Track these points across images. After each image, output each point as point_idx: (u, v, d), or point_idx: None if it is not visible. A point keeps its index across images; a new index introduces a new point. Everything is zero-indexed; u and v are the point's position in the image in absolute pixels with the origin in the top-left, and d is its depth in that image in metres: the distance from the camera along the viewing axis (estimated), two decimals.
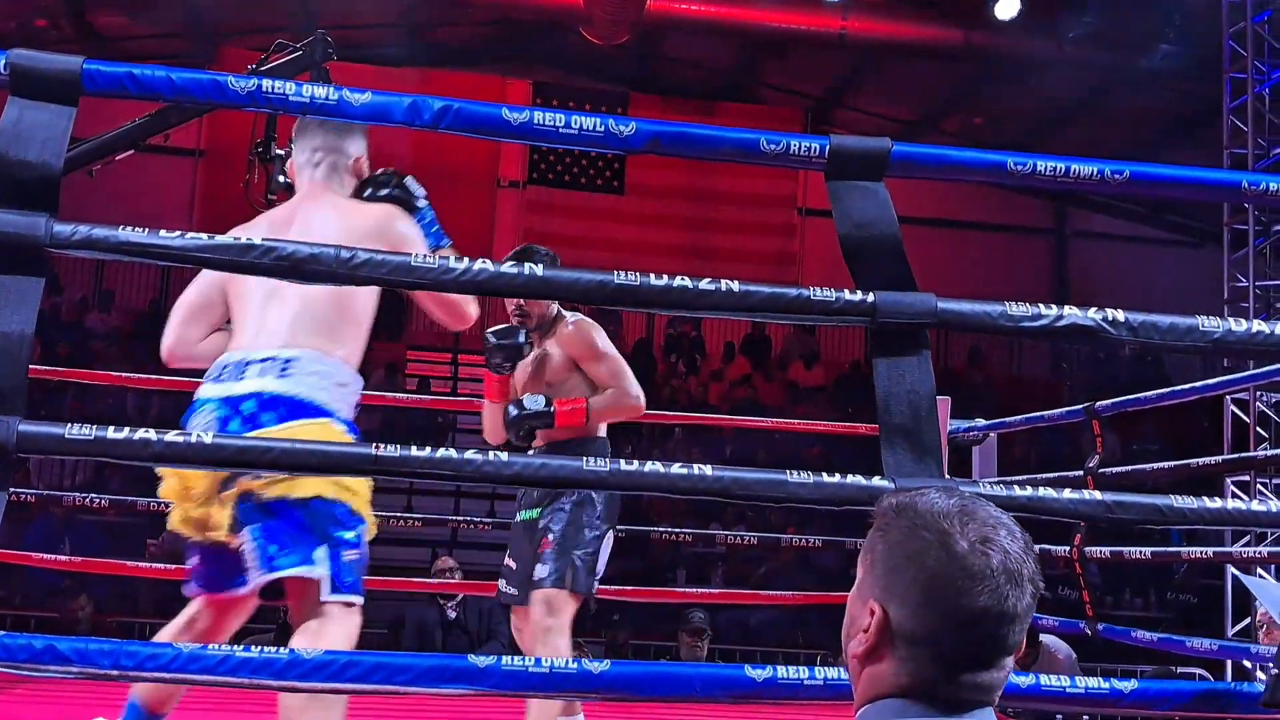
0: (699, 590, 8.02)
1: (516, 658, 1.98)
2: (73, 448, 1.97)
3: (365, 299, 2.90)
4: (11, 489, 6.04)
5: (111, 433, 1.97)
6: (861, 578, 1.36)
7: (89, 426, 1.97)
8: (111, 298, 13.32)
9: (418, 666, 1.95)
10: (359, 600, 2.69)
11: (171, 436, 1.98)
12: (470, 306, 2.95)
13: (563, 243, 13.66)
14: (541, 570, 3.70)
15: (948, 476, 2.15)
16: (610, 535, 3.79)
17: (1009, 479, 4.63)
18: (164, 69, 2.01)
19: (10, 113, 1.94)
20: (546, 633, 3.63)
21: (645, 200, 14.37)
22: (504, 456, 2.05)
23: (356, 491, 2.70)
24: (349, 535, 2.68)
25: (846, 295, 2.12)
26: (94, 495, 7.28)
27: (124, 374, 6.95)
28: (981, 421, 5.27)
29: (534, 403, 3.74)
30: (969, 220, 14.62)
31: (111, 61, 1.99)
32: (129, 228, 1.99)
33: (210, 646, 1.92)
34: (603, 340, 3.86)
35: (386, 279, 2.04)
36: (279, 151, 5.89)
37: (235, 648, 1.92)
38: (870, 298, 2.12)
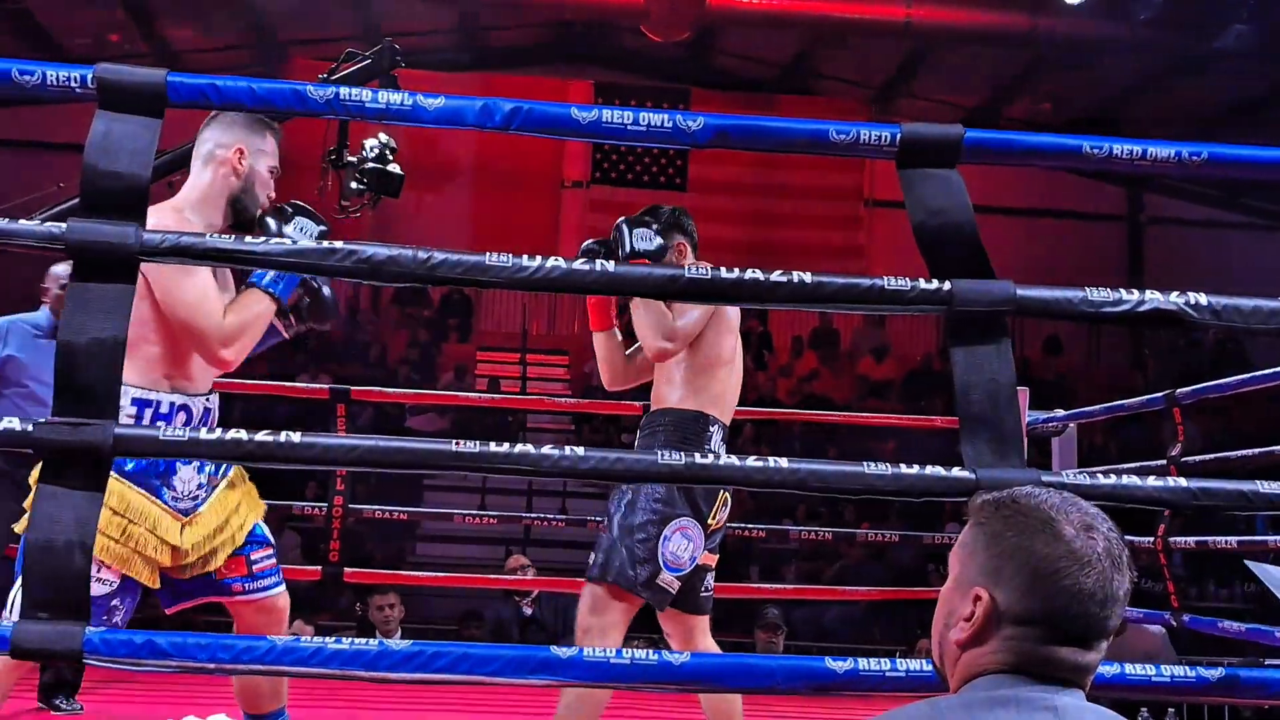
0: (772, 586, 8.01)
1: (599, 648, 2.00)
2: (168, 448, 2.02)
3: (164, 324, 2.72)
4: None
5: (204, 433, 2.02)
6: (959, 571, 1.42)
7: (182, 428, 2.03)
8: None
9: (503, 657, 1.98)
10: None
11: (261, 436, 2.03)
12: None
13: None
14: (591, 561, 3.36)
15: (1028, 467, 2.14)
16: (685, 523, 3.30)
17: (1091, 469, 4.59)
18: (245, 80, 2.06)
19: (98, 126, 1.99)
20: (585, 634, 3.25)
21: (708, 196, 14.35)
22: (580, 451, 2.08)
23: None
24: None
25: (922, 284, 2.12)
26: None
27: None
28: (1060, 412, 5.22)
29: (645, 240, 3.39)
30: (1039, 208, 14.45)
31: (184, 74, 2.03)
32: (215, 235, 2.04)
33: (303, 640, 1.96)
34: None
35: (462, 278, 2.07)
36: (351, 158, 5.97)
37: (327, 640, 1.96)
38: (946, 286, 2.11)
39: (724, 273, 2.12)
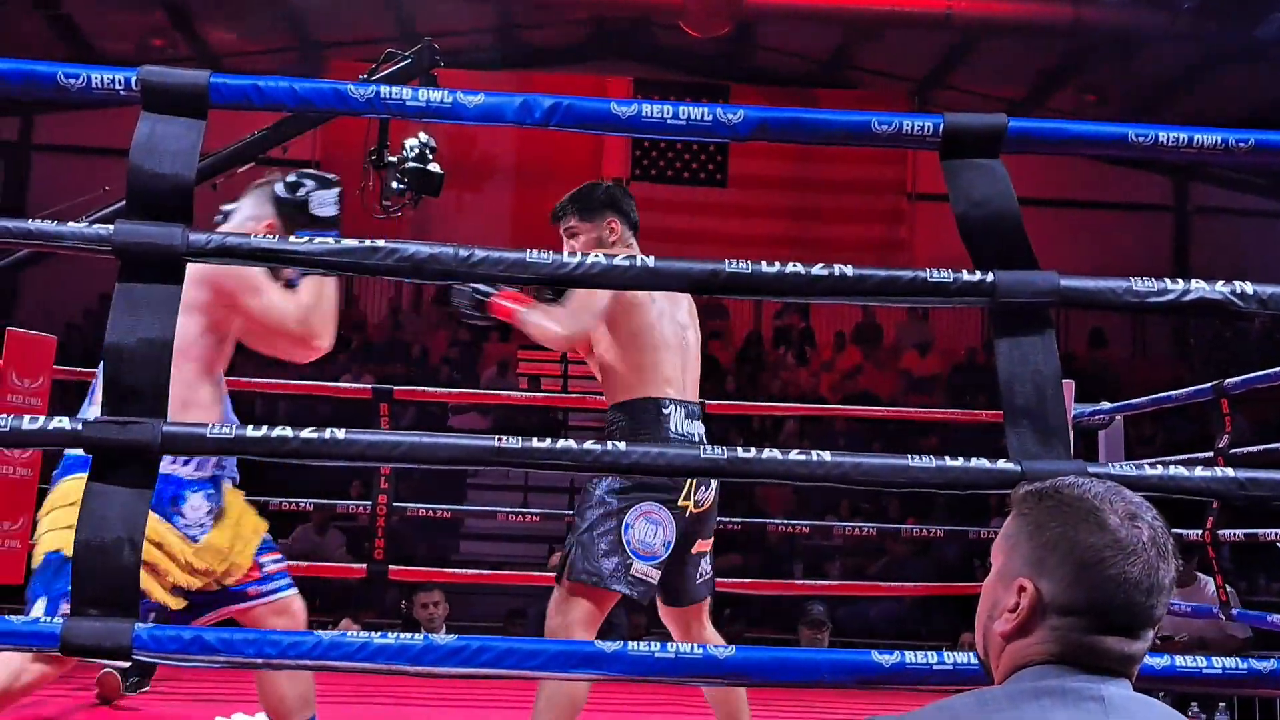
0: (816, 582, 7.99)
1: (644, 643, 2.00)
2: (214, 446, 2.04)
3: (198, 347, 2.79)
4: None
5: (250, 431, 2.04)
6: (1003, 563, 1.41)
7: (228, 426, 2.05)
8: None
9: (547, 651, 1.99)
10: None
11: (306, 433, 2.05)
12: None
13: (668, 238, 13.70)
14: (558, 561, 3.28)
15: (1074, 458, 2.12)
16: (648, 508, 3.15)
17: (1138, 461, 4.54)
18: (286, 80, 2.07)
19: (143, 128, 2.01)
20: (550, 636, 3.15)
21: (749, 191, 14.32)
22: (621, 446, 2.08)
23: None
24: None
25: (965, 275, 2.11)
26: None
27: (251, 379, 7.13)
28: (1106, 404, 5.17)
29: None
30: (1084, 199, 14.31)
31: (227, 75, 2.05)
32: (260, 235, 2.06)
33: (348, 635, 1.98)
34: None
35: (504, 275, 2.08)
36: (392, 158, 6.00)
37: (372, 635, 1.97)
38: (990, 277, 2.10)
39: (765, 267, 2.12)
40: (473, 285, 3.27)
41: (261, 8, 11.90)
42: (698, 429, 3.32)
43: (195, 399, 2.78)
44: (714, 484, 3.29)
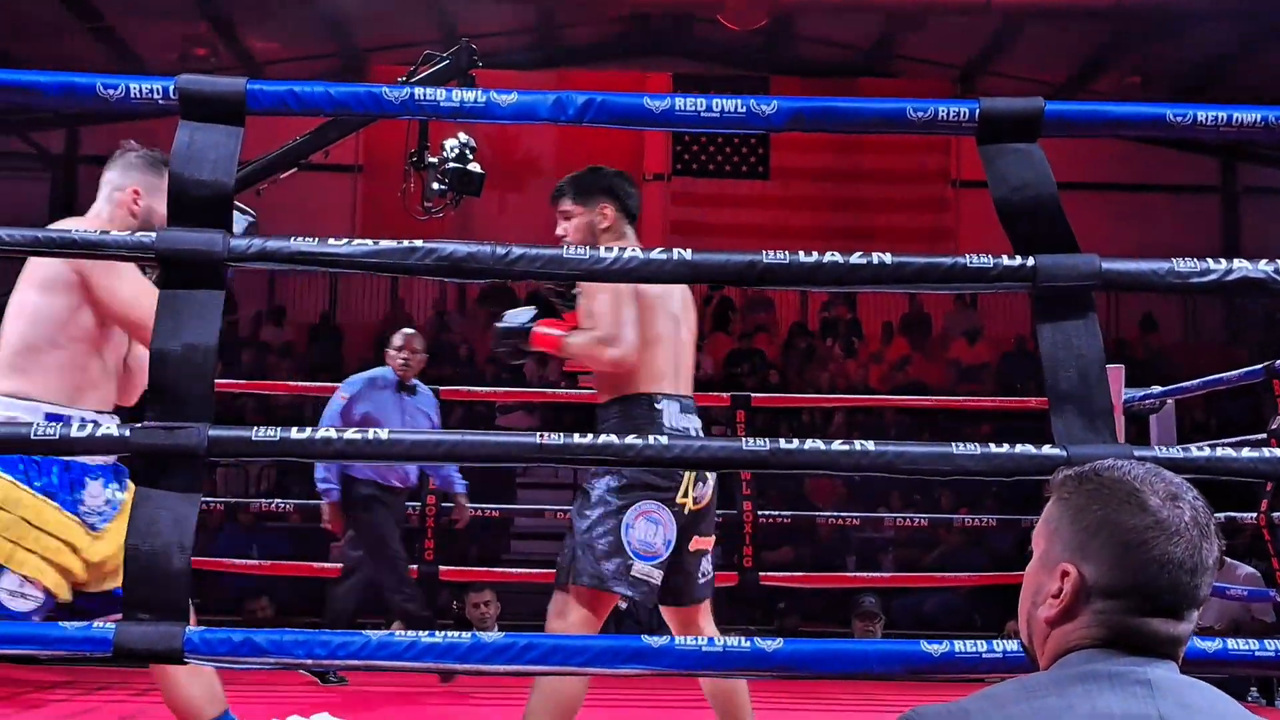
0: (868, 574, 7.95)
1: (691, 638, 2.01)
2: (260, 449, 2.06)
3: (78, 325, 2.74)
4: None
5: (295, 433, 2.06)
6: (1044, 549, 1.40)
7: (274, 428, 2.07)
8: (284, 312, 13.79)
9: (595, 648, 2.00)
10: None
11: (350, 434, 2.07)
12: None
13: (711, 233, 13.68)
14: (558, 566, 3.20)
15: (1122, 443, 2.10)
16: (648, 506, 3.07)
17: (1189, 445, 4.49)
18: (322, 84, 2.09)
19: (182, 136, 2.03)
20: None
21: (791, 184, 14.26)
22: (663, 440, 2.08)
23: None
24: None
25: (1005, 261, 2.10)
26: (278, 500, 7.62)
27: (300, 383, 7.21)
28: (1157, 389, 5.12)
29: (516, 317, 3.24)
30: (1129, 183, 14.15)
31: (264, 81, 2.07)
32: (300, 238, 2.07)
33: (397, 634, 1.99)
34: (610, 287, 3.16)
35: (541, 272, 2.09)
36: (432, 160, 6.03)
37: (420, 634, 1.99)
38: (1030, 262, 2.09)
39: (802, 257, 2.12)
40: (507, 327, 3.23)
41: (303, 15, 11.98)
42: (693, 423, 3.22)
43: (87, 380, 2.76)
44: (712, 480, 3.20)
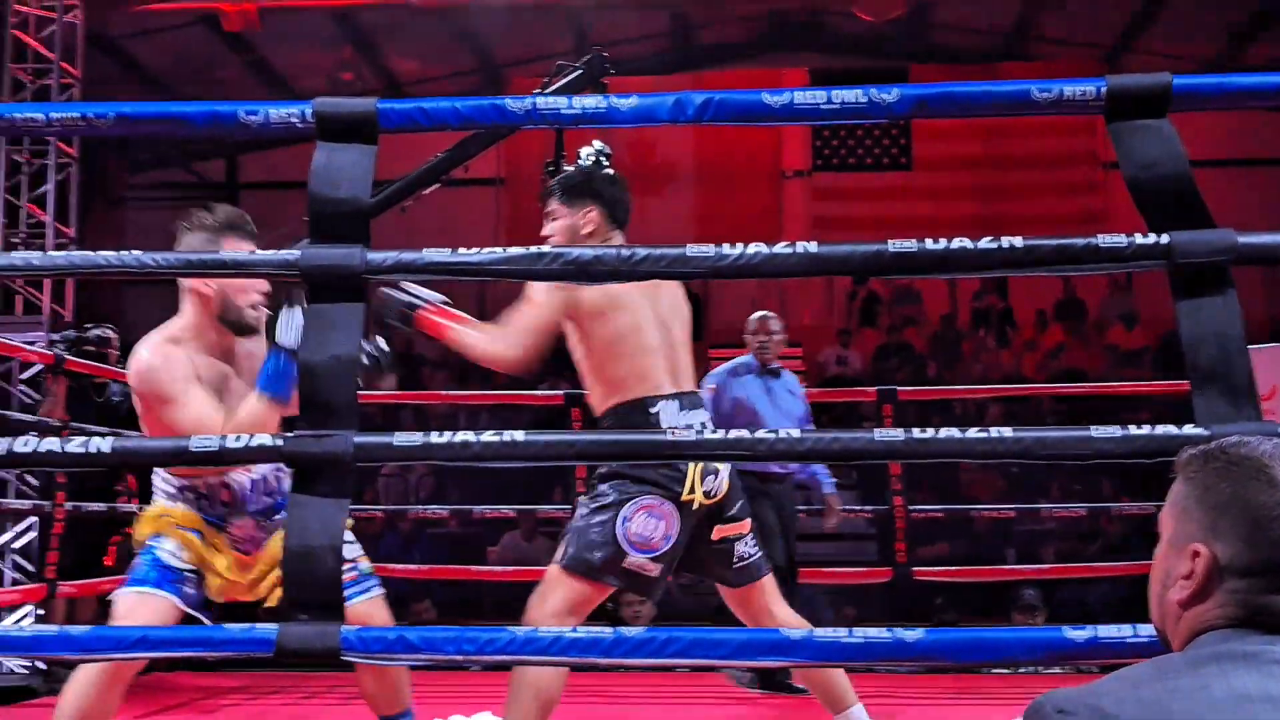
0: (1025, 566, 7.79)
1: (830, 629, 2.01)
2: (402, 454, 2.14)
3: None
4: (361, 507, 6.56)
5: (435, 437, 2.13)
6: (1173, 530, 1.37)
7: (416, 434, 2.14)
8: None
9: (734, 641, 2.02)
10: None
11: (487, 437, 2.13)
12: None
13: (852, 227, 13.57)
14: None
15: (1264, 420, 2.04)
16: (649, 501, 3.04)
17: None
18: (448, 100, 2.16)
19: (319, 157, 2.12)
20: (527, 620, 2.99)
21: (935, 174, 14.06)
22: (795, 433, 2.10)
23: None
24: None
25: (1138, 239, 2.06)
26: (435, 506, 7.81)
27: (452, 392, 7.38)
28: None
29: (419, 292, 3.17)
30: (1269, 157, 13.57)
31: (394, 100, 2.14)
32: (433, 250, 2.15)
33: (541, 629, 2.04)
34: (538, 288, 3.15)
35: (665, 271, 2.12)
36: (568, 168, 6.13)
37: (564, 629, 2.04)
38: (1164, 239, 2.05)
39: (930, 244, 2.11)
40: (405, 291, 3.15)
41: (443, 34, 12.26)
42: (697, 417, 3.18)
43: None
44: (725, 472, 3.14)
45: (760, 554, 3.29)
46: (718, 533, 3.19)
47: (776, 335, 5.51)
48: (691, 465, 3.07)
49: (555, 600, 3.03)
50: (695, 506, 3.10)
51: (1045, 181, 13.94)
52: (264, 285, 2.96)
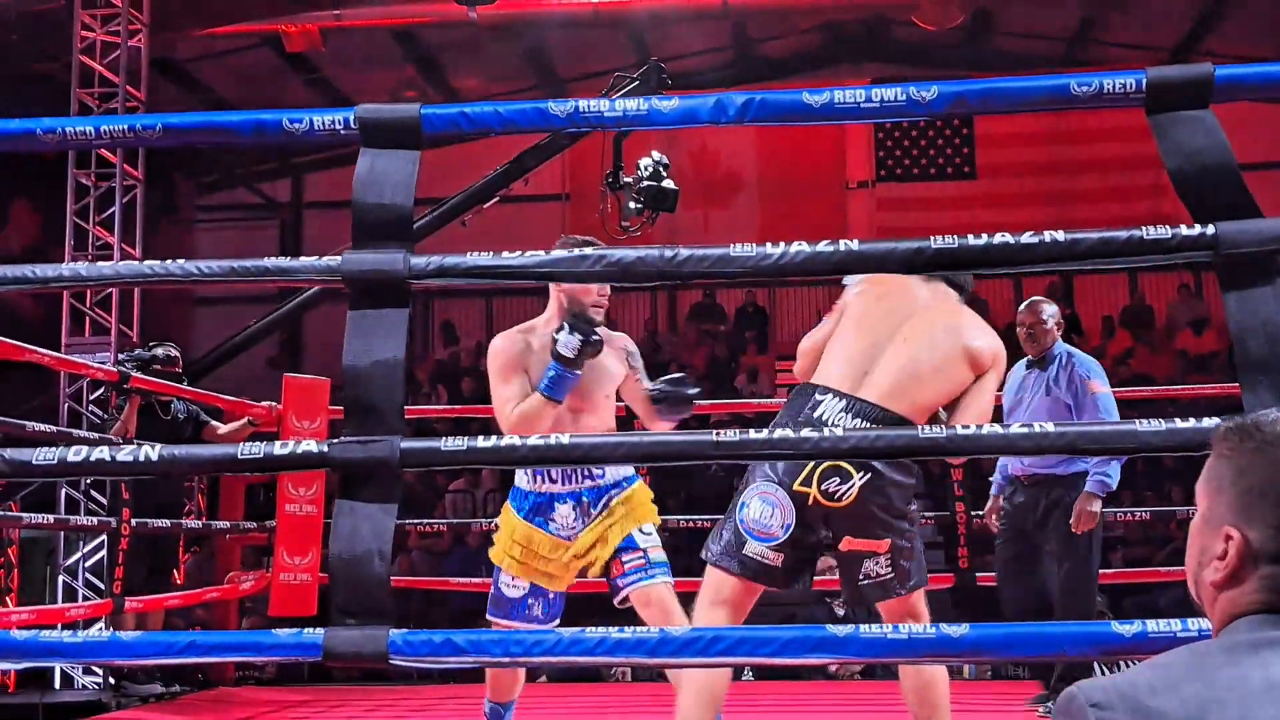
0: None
1: (875, 626, 2.00)
2: (449, 458, 2.15)
3: None
4: (425, 521, 6.61)
5: (481, 442, 2.15)
6: (1207, 507, 1.34)
7: (462, 439, 2.16)
8: None
9: (781, 638, 2.01)
10: None
11: (533, 441, 2.14)
12: None
13: (917, 237, 13.45)
14: None
15: None
16: (765, 487, 3.05)
17: None
18: (490, 105, 2.18)
19: (363, 163, 2.15)
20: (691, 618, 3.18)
21: (999, 181, 13.93)
22: (839, 431, 2.09)
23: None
24: None
25: (1184, 230, 2.04)
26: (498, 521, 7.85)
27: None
28: None
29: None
30: None
31: (437, 106, 2.17)
32: (475, 253, 2.17)
33: (588, 630, 2.05)
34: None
35: (709, 271, 2.12)
36: (627, 179, 6.13)
37: (610, 629, 2.04)
38: (1210, 230, 2.02)
39: (970, 240, 2.10)
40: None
41: (504, 50, 12.36)
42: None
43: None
44: (856, 481, 3.02)
45: (893, 576, 3.17)
46: (846, 544, 3.11)
47: (1044, 322, 5.03)
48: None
49: (702, 594, 3.11)
50: (810, 502, 3.04)
51: (1109, 187, 13.76)
52: (604, 289, 3.53)
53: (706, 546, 3.14)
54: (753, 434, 2.12)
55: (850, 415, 3.02)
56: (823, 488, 3.03)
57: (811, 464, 3.01)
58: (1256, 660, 1.21)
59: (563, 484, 3.53)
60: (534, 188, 10.27)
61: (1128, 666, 1.37)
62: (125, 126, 2.19)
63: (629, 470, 3.59)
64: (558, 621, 3.61)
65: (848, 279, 3.29)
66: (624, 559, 3.47)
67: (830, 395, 3.08)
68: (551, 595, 3.59)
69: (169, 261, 2.11)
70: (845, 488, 3.04)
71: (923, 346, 3.11)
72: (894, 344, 3.13)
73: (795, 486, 3.02)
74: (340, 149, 13.85)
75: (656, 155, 5.52)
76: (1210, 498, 1.33)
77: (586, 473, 3.51)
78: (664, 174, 5.58)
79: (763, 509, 3.04)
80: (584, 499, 3.54)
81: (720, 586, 3.08)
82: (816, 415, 3.04)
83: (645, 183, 5.36)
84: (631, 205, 5.65)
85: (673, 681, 3.26)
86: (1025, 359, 5.07)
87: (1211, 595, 1.31)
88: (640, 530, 3.51)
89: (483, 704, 3.73)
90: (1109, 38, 13.53)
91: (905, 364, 3.09)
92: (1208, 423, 1.97)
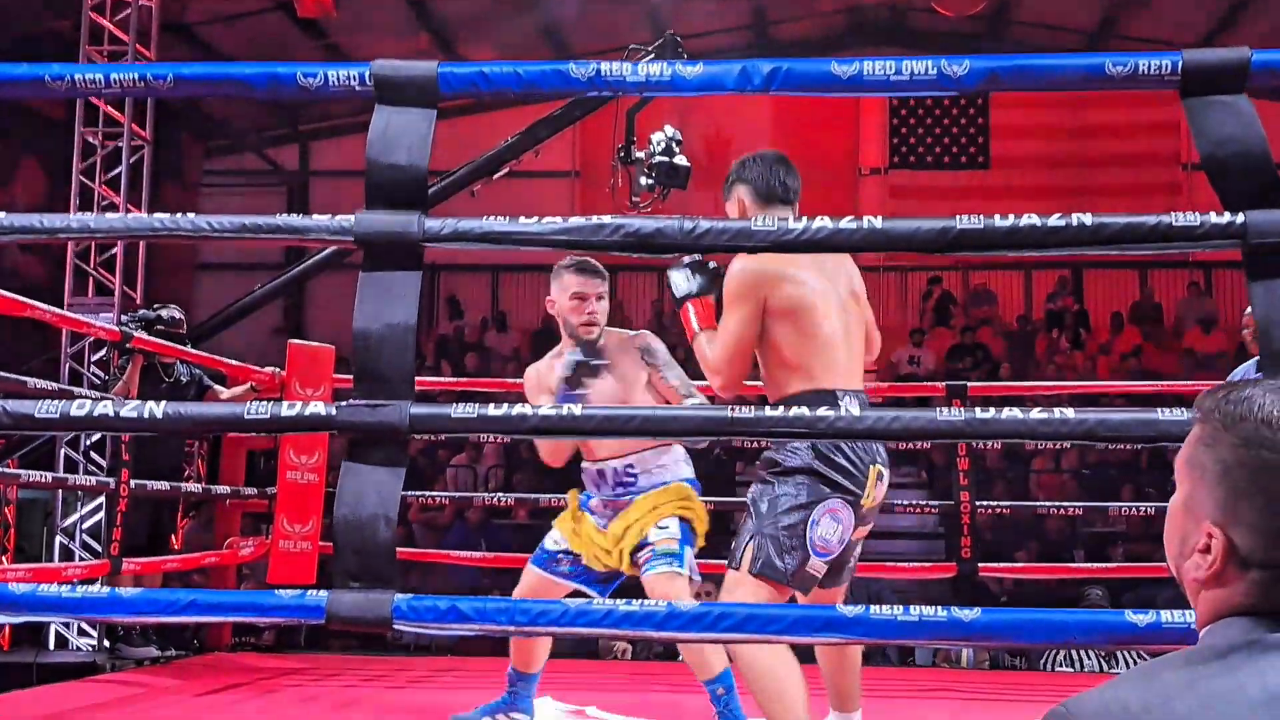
0: (1091, 565, 7.63)
1: (885, 607, 1.98)
2: (458, 425, 2.12)
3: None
4: (427, 494, 6.62)
5: (492, 409, 2.12)
6: (1189, 491, 1.25)
7: (472, 405, 2.13)
8: (506, 319, 14.16)
9: (788, 617, 1.99)
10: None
11: (544, 411, 2.11)
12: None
13: None
14: (732, 548, 3.07)
15: None
16: (835, 504, 2.97)
17: None
18: (511, 64, 2.14)
19: (378, 121, 2.11)
20: None
21: (1013, 172, 13.87)
22: (855, 411, 2.06)
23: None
24: None
25: (1212, 218, 2.00)
26: (501, 495, 7.84)
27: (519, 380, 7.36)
28: None
29: (684, 281, 3.20)
30: None
31: (455, 63, 2.13)
32: (492, 218, 2.13)
33: (595, 602, 2.02)
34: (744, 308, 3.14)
35: (729, 245, 2.09)
36: (639, 154, 6.08)
37: (618, 603, 2.01)
38: (1239, 218, 1.99)
39: (998, 221, 2.07)
40: (696, 272, 3.17)
41: (519, 23, 12.28)
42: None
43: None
44: (886, 478, 3.09)
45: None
46: (856, 533, 3.12)
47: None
48: (872, 468, 3.01)
49: (733, 598, 2.92)
50: (864, 511, 3.06)
51: (1125, 183, 13.69)
52: (593, 308, 3.72)
53: (768, 563, 2.93)
54: (768, 410, 2.09)
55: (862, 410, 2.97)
56: (874, 494, 3.05)
57: (872, 472, 3.01)
58: (1253, 670, 1.16)
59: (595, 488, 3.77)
60: (544, 164, 10.21)
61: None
62: (136, 75, 2.14)
63: (668, 475, 3.69)
64: (574, 587, 3.78)
65: (767, 270, 3.08)
66: (638, 556, 3.62)
67: (848, 397, 2.98)
68: (584, 562, 3.75)
69: (179, 215, 2.08)
70: (882, 488, 3.10)
71: (855, 319, 3.20)
72: (850, 329, 3.15)
73: (863, 500, 3.01)
74: (349, 117, 13.83)
75: (670, 130, 5.47)
76: (1191, 483, 1.25)
77: (619, 481, 3.71)
78: (677, 149, 5.53)
79: (830, 526, 2.97)
80: (611, 499, 3.73)
81: (758, 594, 2.93)
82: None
83: (658, 158, 5.31)
84: (643, 181, 5.61)
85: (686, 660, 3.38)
86: (1254, 359, 5.09)
87: (1195, 589, 1.23)
88: (657, 526, 3.62)
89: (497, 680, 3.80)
90: (1131, 32, 13.44)
91: (858, 345, 3.18)
92: None
